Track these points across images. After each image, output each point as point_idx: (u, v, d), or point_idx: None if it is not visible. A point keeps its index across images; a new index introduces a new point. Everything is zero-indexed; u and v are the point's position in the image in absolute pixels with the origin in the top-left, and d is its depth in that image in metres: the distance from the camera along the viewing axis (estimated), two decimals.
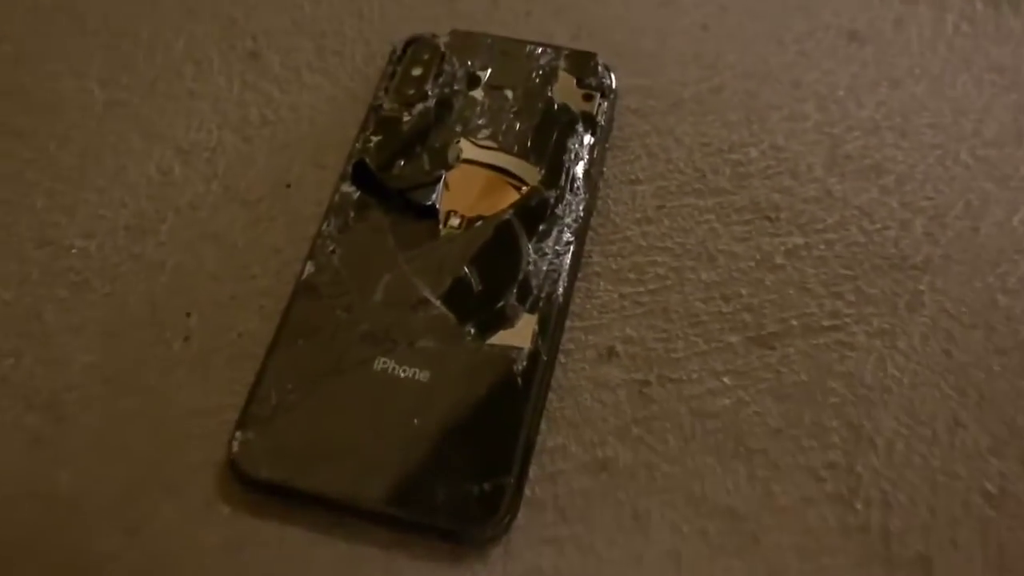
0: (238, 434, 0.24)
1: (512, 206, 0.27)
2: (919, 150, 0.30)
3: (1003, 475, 0.25)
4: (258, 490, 0.24)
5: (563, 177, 0.28)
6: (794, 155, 0.30)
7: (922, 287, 0.27)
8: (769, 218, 0.29)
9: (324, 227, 0.27)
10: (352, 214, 0.27)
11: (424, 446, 0.24)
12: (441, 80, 0.30)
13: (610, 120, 0.30)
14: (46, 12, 0.34)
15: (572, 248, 0.27)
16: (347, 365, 0.25)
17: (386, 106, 0.29)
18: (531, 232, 0.27)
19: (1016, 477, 0.25)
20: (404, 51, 0.31)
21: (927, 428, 0.25)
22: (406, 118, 0.29)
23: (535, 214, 0.27)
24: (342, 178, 0.28)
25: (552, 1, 0.34)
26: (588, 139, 0.29)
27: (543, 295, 0.26)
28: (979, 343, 0.27)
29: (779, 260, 0.28)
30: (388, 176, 0.28)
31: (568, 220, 0.27)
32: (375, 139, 0.29)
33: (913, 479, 0.24)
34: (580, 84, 0.30)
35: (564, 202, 0.28)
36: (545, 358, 0.25)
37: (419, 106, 0.29)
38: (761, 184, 0.29)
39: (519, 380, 0.25)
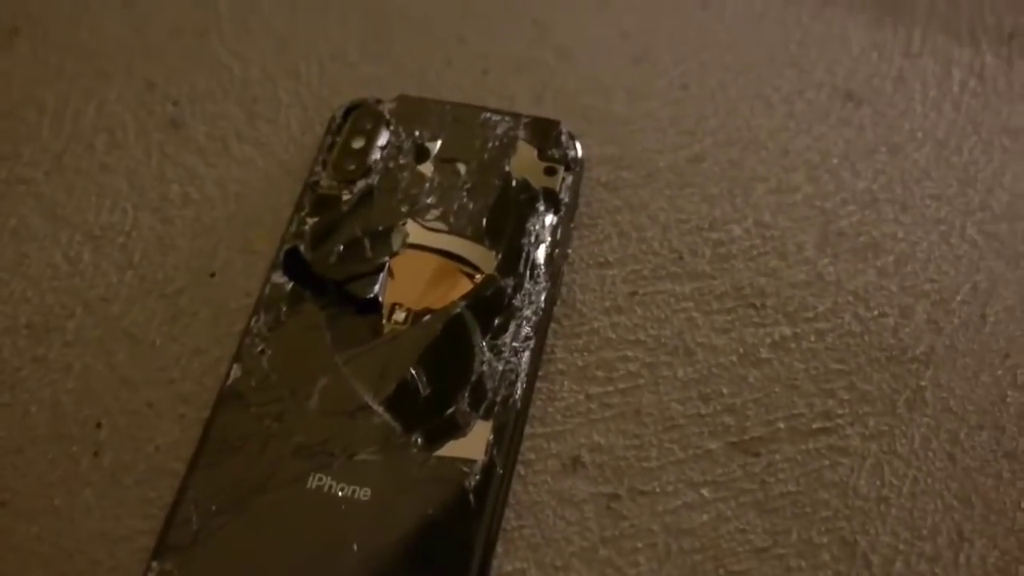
0: (154, 564, 0.25)
1: (464, 297, 0.30)
2: (921, 226, 0.33)
3: None
4: None
5: (522, 263, 0.30)
6: (782, 233, 0.33)
7: (924, 383, 0.30)
8: (754, 306, 0.31)
9: (253, 323, 0.29)
10: (284, 308, 0.30)
11: (365, 574, 0.25)
12: (386, 152, 0.33)
13: (576, 196, 0.33)
14: None
15: (532, 344, 0.29)
16: (278, 483, 0.27)
17: (323, 183, 0.32)
18: (486, 327, 0.29)
19: None
20: (345, 119, 0.34)
21: (928, 543, 0.27)
22: (346, 197, 0.32)
23: (490, 306, 0.30)
24: (273, 266, 0.31)
25: (513, 59, 0.37)
26: (551, 219, 0.31)
27: (499, 399, 0.28)
28: (987, 446, 0.29)
29: (764, 354, 0.30)
30: (325, 265, 0.30)
31: (528, 312, 0.30)
32: (311, 221, 0.31)
33: None
34: (542, 156, 0.33)
35: (523, 291, 0.30)
36: (501, 471, 0.27)
37: (361, 183, 0.32)
38: (745, 267, 0.32)
39: (472, 497, 0.27)
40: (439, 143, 0.33)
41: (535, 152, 0.33)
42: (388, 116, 0.33)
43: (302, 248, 0.30)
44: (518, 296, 0.30)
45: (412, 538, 0.26)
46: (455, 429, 0.28)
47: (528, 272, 0.30)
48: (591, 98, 0.36)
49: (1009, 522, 0.28)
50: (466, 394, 0.28)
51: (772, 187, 0.34)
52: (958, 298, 0.32)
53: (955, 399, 0.30)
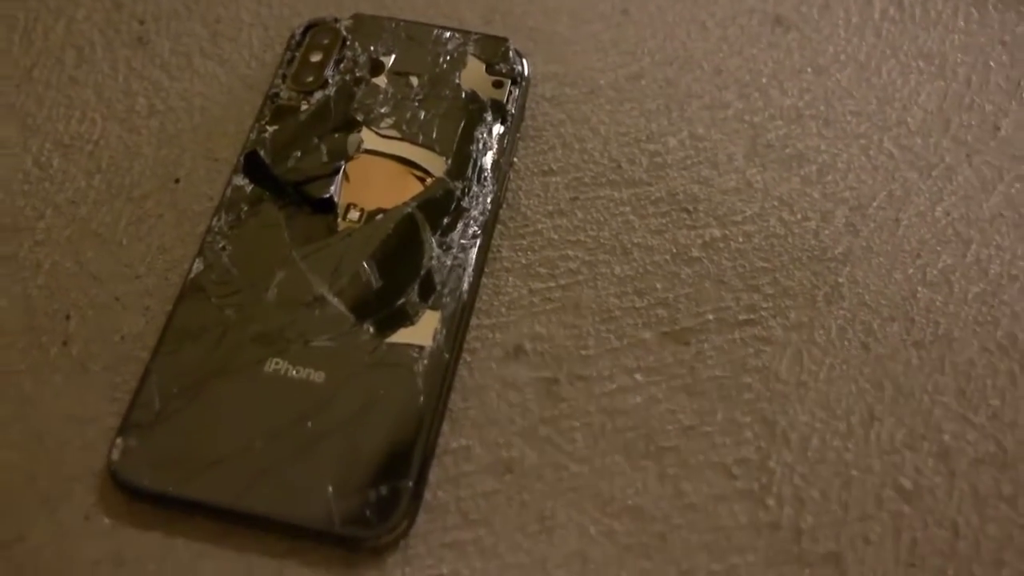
0: (119, 441, 0.25)
1: (415, 198, 0.29)
2: (842, 139, 0.33)
3: (918, 470, 0.27)
4: (141, 500, 0.25)
5: (470, 168, 0.30)
6: (714, 144, 0.32)
7: (841, 279, 0.30)
8: (687, 210, 0.31)
9: (214, 223, 0.29)
10: (245, 209, 0.29)
11: (318, 450, 0.25)
12: (342, 66, 0.32)
13: (522, 108, 0.32)
14: None
15: (479, 242, 0.29)
16: (236, 367, 0.26)
17: (283, 94, 0.31)
18: (435, 225, 0.29)
19: (931, 472, 0.27)
20: (303, 36, 0.33)
21: (842, 422, 0.28)
22: (304, 107, 0.31)
23: (439, 206, 0.29)
24: (235, 170, 0.30)
25: None
26: (498, 128, 0.31)
27: (447, 291, 0.28)
28: (897, 336, 0.29)
29: (696, 253, 0.30)
30: (283, 168, 0.30)
31: (475, 213, 0.29)
32: (271, 129, 0.30)
33: (826, 474, 0.27)
34: (490, 70, 0.32)
35: (471, 194, 0.30)
36: (448, 356, 0.27)
37: (318, 94, 0.31)
38: (679, 175, 0.32)
39: (419, 380, 0.26)
40: (393, 58, 0.32)
41: (484, 67, 0.32)
42: (344, 33, 0.32)
43: (262, 152, 0.30)
44: (466, 198, 0.30)
45: (363, 417, 0.26)
46: (405, 318, 0.27)
47: (476, 176, 0.30)
48: (536, 20, 0.35)
49: (916, 403, 0.28)
50: (416, 286, 0.28)
51: (706, 103, 0.33)
52: (875, 204, 0.31)
53: (870, 294, 0.30)
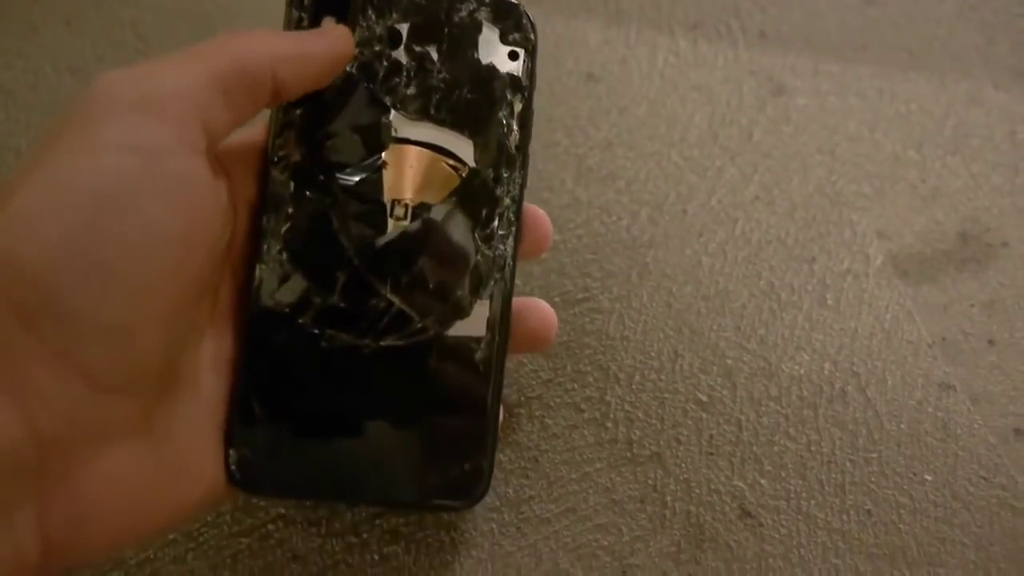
0: (231, 452, 0.23)
1: (454, 192, 0.25)
2: (642, 158, 0.36)
3: (710, 386, 0.31)
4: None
5: (498, 152, 0.25)
6: (550, 174, 0.36)
7: (648, 260, 0.33)
8: None
9: (264, 223, 0.24)
10: (290, 207, 0.24)
11: (408, 440, 0.24)
12: (357, 34, 0.25)
13: (533, 80, 0.26)
14: None
15: (514, 230, 0.25)
16: (319, 375, 0.24)
17: None
18: (476, 219, 0.25)
19: (720, 386, 0.31)
20: None
21: (655, 361, 0.31)
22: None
23: (477, 199, 0.25)
24: (270, 163, 0.24)
25: None
26: (517, 106, 0.26)
27: (492, 282, 0.25)
28: (690, 294, 0.33)
29: (543, 255, 0.33)
30: (320, 157, 0.24)
31: (507, 201, 0.25)
32: (296, 110, 0.24)
33: (647, 399, 0.30)
34: (503, 39, 0.26)
35: (502, 182, 0.25)
36: (499, 342, 0.24)
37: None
38: (526, 199, 0.35)
39: (480, 368, 0.24)
40: (407, 26, 0.25)
41: (497, 35, 0.26)
42: None
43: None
44: (499, 187, 0.25)
45: (438, 407, 0.24)
46: (460, 312, 0.24)
47: (504, 161, 0.25)
48: None
49: (706, 340, 0.32)
50: (466, 281, 0.25)
51: (542, 143, 0.36)
52: (668, 202, 0.35)
53: (669, 267, 0.33)
